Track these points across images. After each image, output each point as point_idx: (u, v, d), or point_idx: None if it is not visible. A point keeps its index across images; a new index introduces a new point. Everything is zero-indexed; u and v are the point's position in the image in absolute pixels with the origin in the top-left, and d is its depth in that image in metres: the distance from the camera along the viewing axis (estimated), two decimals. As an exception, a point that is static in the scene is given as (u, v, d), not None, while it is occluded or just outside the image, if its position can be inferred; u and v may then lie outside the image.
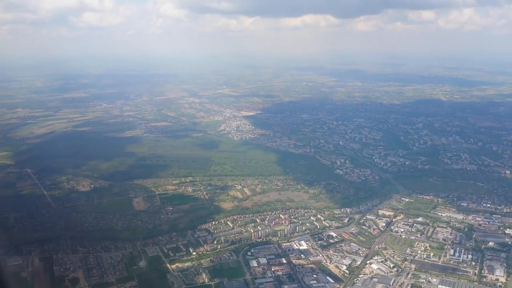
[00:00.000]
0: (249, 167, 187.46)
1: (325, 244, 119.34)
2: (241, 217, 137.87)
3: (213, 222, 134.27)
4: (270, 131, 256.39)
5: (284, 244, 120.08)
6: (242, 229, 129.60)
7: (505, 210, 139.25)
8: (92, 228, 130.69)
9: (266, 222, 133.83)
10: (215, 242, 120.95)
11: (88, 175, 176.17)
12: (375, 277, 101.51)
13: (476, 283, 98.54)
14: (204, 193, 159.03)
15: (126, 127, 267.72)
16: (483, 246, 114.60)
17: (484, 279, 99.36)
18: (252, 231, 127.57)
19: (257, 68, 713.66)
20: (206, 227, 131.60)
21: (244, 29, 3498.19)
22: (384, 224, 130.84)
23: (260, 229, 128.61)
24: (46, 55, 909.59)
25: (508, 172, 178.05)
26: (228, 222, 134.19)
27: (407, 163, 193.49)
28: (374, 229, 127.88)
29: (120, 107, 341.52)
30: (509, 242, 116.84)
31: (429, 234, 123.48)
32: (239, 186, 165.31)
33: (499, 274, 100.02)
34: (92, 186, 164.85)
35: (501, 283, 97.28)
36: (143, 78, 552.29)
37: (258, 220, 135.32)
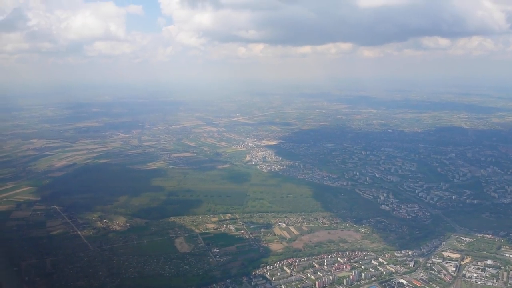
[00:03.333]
0: (288, 203, 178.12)
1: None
2: (296, 261, 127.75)
3: (267, 267, 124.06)
4: (298, 162, 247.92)
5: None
6: (302, 275, 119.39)
7: None
8: (138, 274, 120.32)
9: (326, 267, 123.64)
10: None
11: (120, 212, 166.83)
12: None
13: None
14: (249, 232, 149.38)
15: (148, 159, 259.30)
16: None
17: None
18: (313, 278, 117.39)
19: (266, 95, 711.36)
20: (261, 272, 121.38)
21: (252, 55, 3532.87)
22: (454, 269, 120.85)
23: (321, 275, 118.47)
24: (53, 83, 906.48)
25: None
26: (284, 267, 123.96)
27: (453, 197, 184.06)
28: (445, 275, 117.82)
29: (137, 137, 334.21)
30: None
31: (505, 280, 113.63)
32: (283, 224, 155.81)
33: None
34: (128, 224, 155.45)
35: None
36: (154, 106, 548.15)
37: (316, 265, 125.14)
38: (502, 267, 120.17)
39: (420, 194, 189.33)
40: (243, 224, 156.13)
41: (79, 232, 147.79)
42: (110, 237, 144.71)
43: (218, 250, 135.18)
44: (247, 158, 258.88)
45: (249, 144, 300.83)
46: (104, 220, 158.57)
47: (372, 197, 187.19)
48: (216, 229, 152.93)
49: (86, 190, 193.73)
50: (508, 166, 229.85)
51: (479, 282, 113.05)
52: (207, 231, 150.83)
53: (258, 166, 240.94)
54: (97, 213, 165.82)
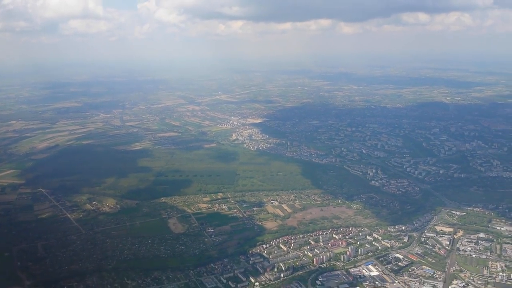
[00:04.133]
0: (279, 181, 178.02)
1: (395, 268, 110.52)
2: (292, 239, 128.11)
3: (264, 246, 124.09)
4: (285, 140, 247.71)
5: (352, 269, 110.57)
6: (299, 252, 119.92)
7: None
8: (134, 256, 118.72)
9: (322, 243, 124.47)
10: (275, 269, 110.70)
11: (109, 194, 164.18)
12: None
13: None
14: (242, 211, 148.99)
15: (132, 139, 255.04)
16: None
17: None
18: (310, 254, 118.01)
19: (246, 73, 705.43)
20: (258, 251, 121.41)
21: (231, 33, 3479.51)
22: (448, 242, 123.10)
23: (318, 252, 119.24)
24: (28, 63, 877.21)
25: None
26: (281, 245, 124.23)
27: (441, 171, 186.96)
28: (439, 249, 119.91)
29: (119, 117, 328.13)
30: None
31: (498, 252, 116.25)
32: (276, 203, 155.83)
33: None
34: (118, 206, 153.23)
35: None
36: (133, 85, 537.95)
37: (312, 242, 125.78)
38: (495, 240, 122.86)
39: (408, 169, 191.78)
40: (235, 203, 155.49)
41: (68, 215, 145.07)
42: (101, 220, 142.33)
43: (212, 230, 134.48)
44: (234, 137, 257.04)
45: (234, 123, 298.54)
46: (94, 202, 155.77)
47: (361, 173, 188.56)
48: (209, 208, 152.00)
49: (71, 172, 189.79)
50: (491, 140, 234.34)
51: (474, 255, 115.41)
52: (200, 211, 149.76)
53: (245, 145, 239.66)
54: (85, 195, 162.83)
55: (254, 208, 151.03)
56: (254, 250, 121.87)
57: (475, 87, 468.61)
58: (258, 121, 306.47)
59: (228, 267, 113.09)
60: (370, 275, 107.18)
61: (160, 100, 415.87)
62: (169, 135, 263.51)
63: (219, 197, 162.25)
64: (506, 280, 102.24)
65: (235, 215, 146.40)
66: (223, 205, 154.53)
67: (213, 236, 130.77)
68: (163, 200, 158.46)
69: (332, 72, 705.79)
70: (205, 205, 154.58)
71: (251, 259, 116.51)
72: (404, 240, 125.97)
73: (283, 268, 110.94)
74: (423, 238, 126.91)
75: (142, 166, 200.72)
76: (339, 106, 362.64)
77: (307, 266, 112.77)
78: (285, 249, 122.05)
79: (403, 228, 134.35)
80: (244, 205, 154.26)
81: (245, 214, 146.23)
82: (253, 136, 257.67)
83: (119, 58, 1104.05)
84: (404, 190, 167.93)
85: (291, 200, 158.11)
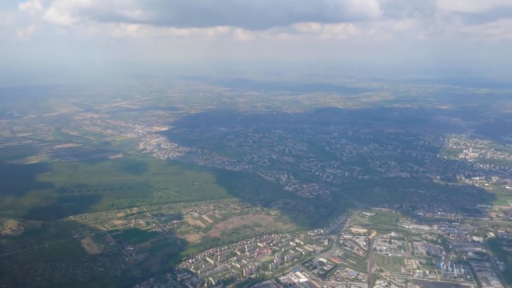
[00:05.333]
0: (195, 191, 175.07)
1: (321, 272, 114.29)
2: (217, 251, 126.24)
3: (190, 260, 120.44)
4: (195, 148, 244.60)
5: (281, 278, 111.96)
6: (227, 265, 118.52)
7: (458, 217, 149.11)
8: (49, 282, 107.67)
9: (248, 253, 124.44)
10: (205, 285, 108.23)
11: (9, 215, 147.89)
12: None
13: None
14: (161, 225, 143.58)
15: (27, 152, 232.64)
16: (464, 257, 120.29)
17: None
18: (238, 266, 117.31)
19: (144, 78, 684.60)
20: (185, 266, 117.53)
21: (125, 36, 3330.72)
22: (364, 243, 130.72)
23: (245, 262, 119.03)
24: None
25: (438, 177, 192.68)
26: (207, 258, 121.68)
27: (346, 174, 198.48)
28: (358, 250, 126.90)
29: (8, 127, 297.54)
30: (484, 250, 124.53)
31: (411, 250, 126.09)
32: (196, 214, 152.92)
33: (497, 285, 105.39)
34: (22, 228, 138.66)
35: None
36: (19, 91, 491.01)
37: (238, 252, 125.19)
38: (405, 238, 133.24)
39: (316, 173, 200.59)
40: (153, 217, 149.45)
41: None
42: (4, 244, 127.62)
43: (132, 248, 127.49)
44: (141, 146, 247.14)
45: (139, 131, 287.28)
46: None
47: (274, 179, 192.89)
48: (125, 225, 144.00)
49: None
50: (386, 142, 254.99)
51: (390, 254, 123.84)
52: (115, 228, 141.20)
53: (154, 154, 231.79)
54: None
55: (173, 221, 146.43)
56: (180, 266, 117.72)
57: (363, 92, 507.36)
58: (165, 128, 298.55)
59: (155, 286, 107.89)
60: (299, 282, 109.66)
61: (52, 108, 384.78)
62: (68, 147, 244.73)
63: (134, 211, 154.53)
64: (423, 277, 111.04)
65: (154, 230, 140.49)
66: (140, 220, 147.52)
67: (133, 254, 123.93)
68: (72, 219, 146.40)
69: (230, 78, 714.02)
70: (120, 222, 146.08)
71: (179, 276, 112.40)
72: (325, 244, 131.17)
73: (213, 283, 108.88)
74: (341, 240, 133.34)
75: (43, 181, 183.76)
76: (243, 112, 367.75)
77: (237, 278, 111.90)
78: (212, 262, 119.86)
79: (321, 231, 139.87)
80: (163, 218, 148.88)
81: (165, 228, 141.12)
82: (161, 145, 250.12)
83: (1, 62, 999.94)
84: (316, 194, 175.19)
85: (211, 210, 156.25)
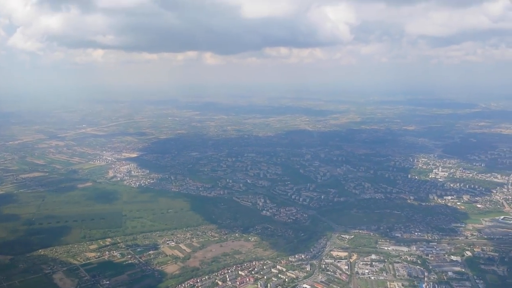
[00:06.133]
0: (171, 219, 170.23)
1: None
2: (198, 281, 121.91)
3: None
4: (167, 174, 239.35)
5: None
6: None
7: (435, 237, 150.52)
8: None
9: (229, 283, 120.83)
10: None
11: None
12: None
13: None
14: (137, 256, 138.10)
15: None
16: (445, 277, 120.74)
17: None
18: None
19: (110, 103, 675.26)
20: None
21: (91, 61, 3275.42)
22: (346, 267, 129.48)
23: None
24: None
25: (411, 198, 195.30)
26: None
27: (322, 197, 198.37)
28: (340, 274, 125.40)
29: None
30: (463, 270, 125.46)
31: (392, 272, 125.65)
32: (172, 243, 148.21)
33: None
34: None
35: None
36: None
37: (219, 282, 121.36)
38: (386, 260, 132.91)
39: (293, 197, 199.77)
40: (127, 248, 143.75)
41: None
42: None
43: (108, 282, 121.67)
44: (110, 174, 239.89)
45: (108, 158, 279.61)
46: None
47: (251, 204, 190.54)
48: (98, 257, 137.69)
49: None
50: (358, 163, 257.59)
51: (372, 278, 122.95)
52: (89, 261, 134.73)
53: (125, 182, 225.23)
54: None
55: (150, 252, 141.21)
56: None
57: (331, 115, 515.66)
58: (134, 155, 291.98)
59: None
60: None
61: (15, 135, 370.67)
62: (34, 176, 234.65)
63: (107, 243, 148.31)
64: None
65: (130, 262, 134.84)
66: (114, 251, 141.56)
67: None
68: (41, 253, 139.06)
69: (199, 102, 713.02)
70: (93, 254, 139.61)
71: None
72: (307, 269, 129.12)
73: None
74: (323, 265, 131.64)
75: (8, 214, 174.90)
76: (214, 137, 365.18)
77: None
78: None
79: (302, 256, 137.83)
80: (138, 249, 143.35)
81: (141, 260, 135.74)
82: (132, 172, 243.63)
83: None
84: (294, 218, 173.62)
85: (188, 238, 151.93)
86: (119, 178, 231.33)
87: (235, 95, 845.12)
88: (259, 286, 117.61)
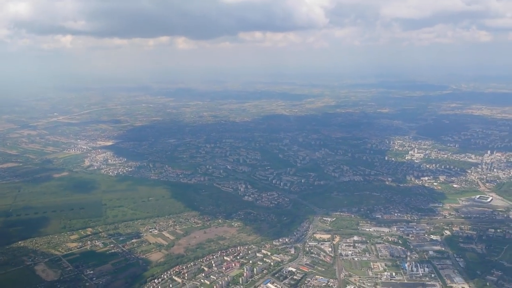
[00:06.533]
0: (152, 207, 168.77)
1: (292, 282, 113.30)
2: (184, 268, 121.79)
3: (156, 281, 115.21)
4: (145, 162, 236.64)
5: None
6: (195, 282, 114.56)
7: (414, 218, 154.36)
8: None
9: (215, 268, 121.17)
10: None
11: None
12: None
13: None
14: (119, 245, 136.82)
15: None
16: (426, 256, 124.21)
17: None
18: (208, 282, 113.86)
19: (80, 91, 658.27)
20: (151, 287, 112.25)
21: (59, 48, 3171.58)
22: (330, 249, 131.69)
23: (215, 278, 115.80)
24: None
25: (389, 179, 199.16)
26: (174, 277, 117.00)
27: (302, 181, 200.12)
28: (324, 256, 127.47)
29: None
30: (443, 248, 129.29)
31: (375, 253, 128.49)
32: (155, 231, 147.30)
33: (460, 282, 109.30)
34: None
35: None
36: None
37: (205, 268, 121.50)
38: (368, 241, 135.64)
39: (274, 181, 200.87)
40: (109, 238, 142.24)
41: None
42: None
43: (92, 272, 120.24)
44: (87, 163, 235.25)
45: (83, 147, 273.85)
46: None
47: (232, 189, 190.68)
48: (80, 247, 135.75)
49: None
50: (335, 147, 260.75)
51: (356, 259, 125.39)
52: (71, 251, 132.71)
53: (102, 171, 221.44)
54: None
55: (132, 240, 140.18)
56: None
57: (306, 99, 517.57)
58: (110, 143, 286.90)
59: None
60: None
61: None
62: (7, 167, 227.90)
63: (88, 232, 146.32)
64: (390, 279, 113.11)
65: (113, 251, 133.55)
66: (96, 241, 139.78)
67: (94, 278, 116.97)
68: (21, 244, 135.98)
69: (171, 88, 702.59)
70: (74, 244, 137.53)
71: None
72: (292, 252, 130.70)
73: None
74: (307, 248, 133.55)
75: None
76: (190, 123, 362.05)
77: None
78: (179, 280, 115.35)
79: (286, 240, 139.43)
80: (121, 238, 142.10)
81: (124, 249, 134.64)
82: (109, 160, 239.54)
83: None
84: (276, 202, 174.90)
85: (171, 226, 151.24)
86: (96, 167, 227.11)
87: (209, 80, 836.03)
88: (245, 271, 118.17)
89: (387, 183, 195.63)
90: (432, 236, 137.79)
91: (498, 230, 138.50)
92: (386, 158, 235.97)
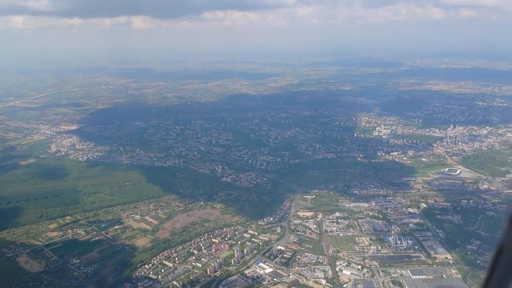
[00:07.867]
0: (129, 191, 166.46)
1: (283, 260, 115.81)
2: (173, 252, 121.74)
3: (146, 266, 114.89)
4: (115, 146, 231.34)
5: (246, 271, 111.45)
6: (187, 265, 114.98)
7: (390, 192, 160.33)
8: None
9: (205, 251, 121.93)
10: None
11: None
12: (358, 283, 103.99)
13: (435, 265, 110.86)
14: (102, 232, 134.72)
15: None
16: (407, 229, 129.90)
17: (437, 260, 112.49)
18: (200, 265, 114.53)
19: (34, 73, 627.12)
20: (142, 273, 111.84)
21: (10, 28, 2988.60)
22: (315, 226, 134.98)
23: (206, 260, 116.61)
24: None
25: (361, 155, 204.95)
26: (164, 262, 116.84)
27: (278, 160, 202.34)
28: (310, 233, 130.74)
29: None
30: (422, 221, 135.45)
31: (358, 228, 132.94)
32: (137, 216, 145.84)
33: (442, 252, 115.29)
34: None
35: (451, 260, 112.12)
36: None
37: (195, 251, 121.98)
38: (350, 217, 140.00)
39: (249, 161, 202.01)
40: (90, 225, 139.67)
41: None
42: None
43: (78, 261, 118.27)
44: (53, 149, 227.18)
45: (47, 132, 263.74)
46: None
47: (209, 171, 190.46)
48: (62, 236, 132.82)
49: None
50: (305, 125, 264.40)
51: (341, 234, 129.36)
52: (52, 241, 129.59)
53: (71, 156, 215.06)
54: None
55: (115, 227, 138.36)
56: (137, 274, 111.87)
57: (268, 78, 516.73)
58: (74, 127, 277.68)
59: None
60: (266, 273, 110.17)
61: None
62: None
63: (67, 221, 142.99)
64: (377, 253, 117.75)
65: (96, 238, 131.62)
66: (77, 229, 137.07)
67: (81, 267, 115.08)
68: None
69: (130, 68, 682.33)
70: (55, 233, 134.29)
71: (139, 284, 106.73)
72: (278, 231, 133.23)
73: (179, 286, 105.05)
74: (292, 226, 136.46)
75: None
76: (155, 105, 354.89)
77: (202, 278, 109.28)
78: (170, 265, 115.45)
79: (271, 219, 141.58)
80: (102, 225, 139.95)
81: (108, 236, 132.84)
82: (76, 146, 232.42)
83: None
84: (255, 182, 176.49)
85: (152, 210, 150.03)
86: (63, 153, 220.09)
87: (168, 60, 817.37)
88: (235, 252, 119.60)
89: (359, 159, 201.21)
90: (409, 209, 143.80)
91: (471, 201, 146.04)
92: (355, 135, 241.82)
